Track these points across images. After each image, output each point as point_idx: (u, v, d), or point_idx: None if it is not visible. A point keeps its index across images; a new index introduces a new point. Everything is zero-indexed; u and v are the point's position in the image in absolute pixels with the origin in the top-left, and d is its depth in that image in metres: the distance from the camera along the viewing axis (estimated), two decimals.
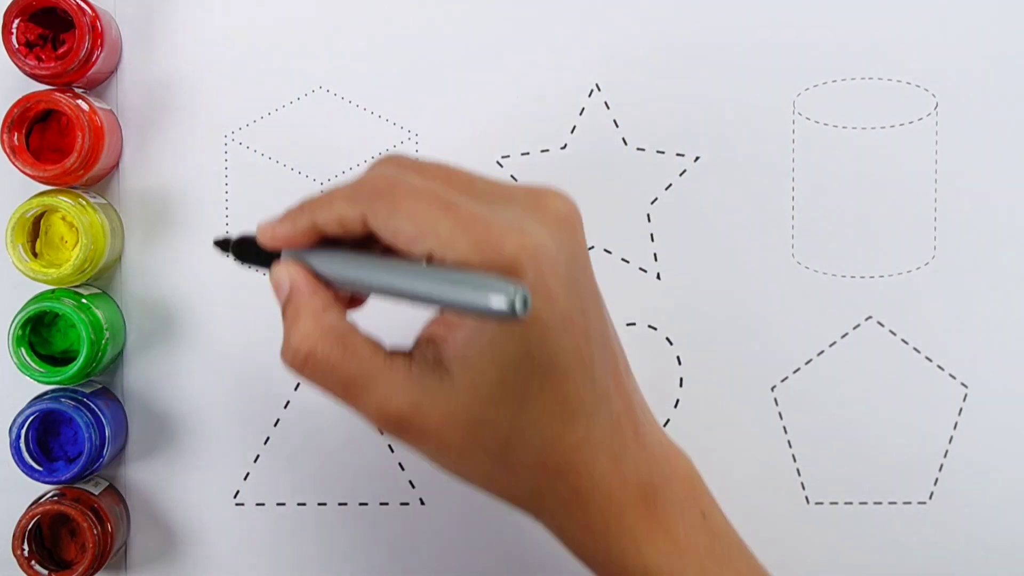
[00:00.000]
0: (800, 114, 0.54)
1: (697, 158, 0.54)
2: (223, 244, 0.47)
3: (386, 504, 0.54)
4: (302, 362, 0.41)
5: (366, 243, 0.42)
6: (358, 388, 0.41)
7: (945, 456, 0.54)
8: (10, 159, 0.50)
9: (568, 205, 0.41)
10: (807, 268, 0.54)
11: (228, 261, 0.53)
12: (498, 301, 0.36)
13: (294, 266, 0.43)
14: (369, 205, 0.40)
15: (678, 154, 0.54)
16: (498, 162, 0.54)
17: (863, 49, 0.54)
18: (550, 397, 0.40)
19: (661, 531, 0.42)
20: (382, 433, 0.48)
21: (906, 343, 0.54)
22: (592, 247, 0.54)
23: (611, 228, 0.54)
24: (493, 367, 0.39)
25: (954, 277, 0.54)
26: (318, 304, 0.42)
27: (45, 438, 0.52)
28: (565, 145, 0.54)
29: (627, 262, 0.54)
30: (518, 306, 0.36)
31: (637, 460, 0.42)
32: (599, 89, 0.54)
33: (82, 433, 0.50)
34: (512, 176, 0.54)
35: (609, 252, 0.54)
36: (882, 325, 0.54)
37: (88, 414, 0.50)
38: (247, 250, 0.46)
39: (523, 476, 0.41)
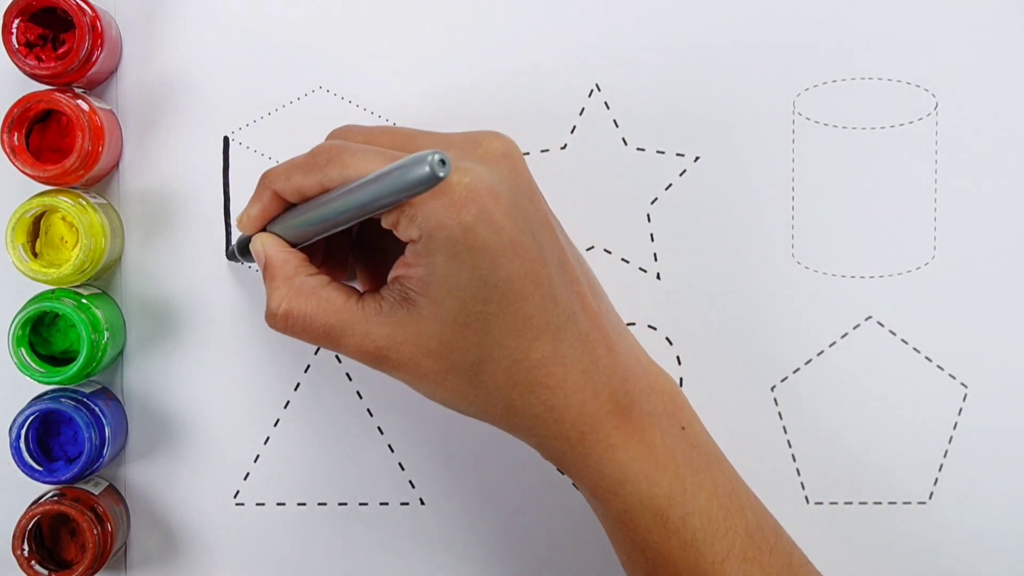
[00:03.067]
0: (800, 114, 0.54)
1: (697, 158, 0.54)
2: (232, 255, 0.52)
3: (386, 504, 0.54)
4: (282, 322, 0.45)
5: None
6: (337, 333, 0.44)
7: (945, 456, 0.54)
8: (10, 159, 0.50)
9: (505, 143, 0.45)
10: (807, 268, 0.54)
11: (224, 261, 0.54)
12: (419, 171, 0.40)
13: (265, 236, 0.47)
14: (322, 172, 0.44)
15: (678, 154, 0.54)
16: None
17: (863, 49, 0.54)
18: (511, 319, 0.43)
19: (636, 437, 0.44)
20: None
21: (906, 343, 0.54)
22: (592, 247, 0.54)
23: (611, 228, 0.54)
24: (452, 296, 0.43)
25: (954, 277, 0.54)
26: (289, 268, 0.46)
27: (45, 438, 0.52)
28: (565, 145, 0.54)
29: (627, 262, 0.54)
30: (437, 167, 0.39)
31: (611, 373, 0.44)
32: (599, 89, 0.54)
33: (82, 433, 0.50)
34: None
35: (609, 252, 0.54)
36: (882, 325, 0.54)
37: (88, 414, 0.50)
38: (247, 248, 0.49)
39: (496, 395, 0.44)
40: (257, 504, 0.54)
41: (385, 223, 0.43)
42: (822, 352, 0.54)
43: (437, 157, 0.39)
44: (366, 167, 0.43)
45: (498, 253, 0.42)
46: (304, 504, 0.54)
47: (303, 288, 0.45)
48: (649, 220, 0.54)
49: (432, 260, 0.42)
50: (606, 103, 0.54)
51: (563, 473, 0.45)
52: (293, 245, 0.47)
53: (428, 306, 0.43)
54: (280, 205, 0.47)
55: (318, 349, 0.54)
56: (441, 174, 0.39)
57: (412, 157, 0.40)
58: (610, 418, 0.44)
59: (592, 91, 0.54)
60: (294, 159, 0.46)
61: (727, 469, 0.46)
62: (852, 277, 0.54)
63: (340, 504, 0.54)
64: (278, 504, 0.54)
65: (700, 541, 0.43)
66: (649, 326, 0.54)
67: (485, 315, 0.42)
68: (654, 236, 0.54)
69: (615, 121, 0.54)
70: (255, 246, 0.47)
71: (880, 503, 0.54)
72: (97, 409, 0.51)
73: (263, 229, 0.48)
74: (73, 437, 0.52)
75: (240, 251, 0.50)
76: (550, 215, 0.45)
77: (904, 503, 0.54)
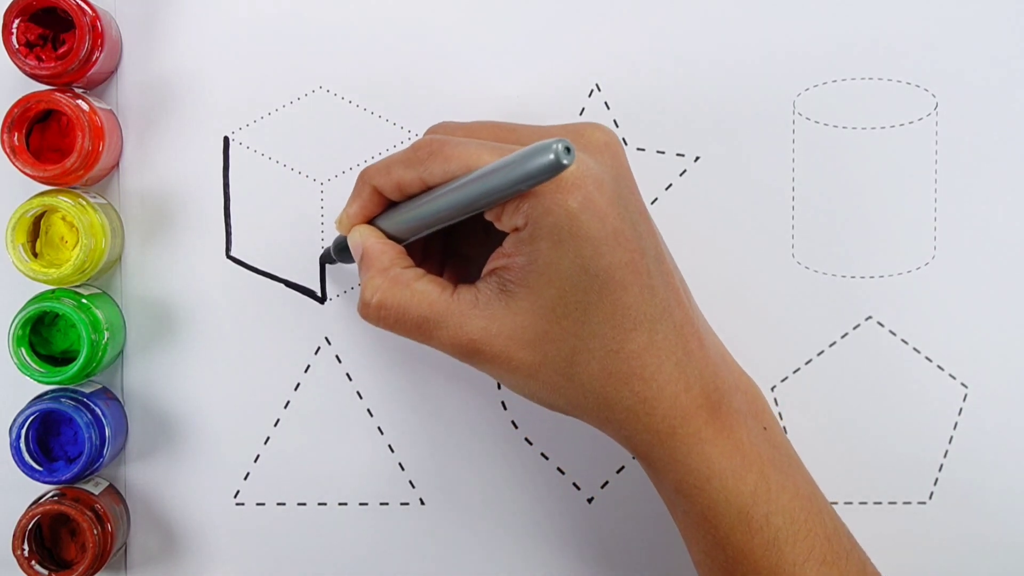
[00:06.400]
0: (800, 114, 0.54)
1: (697, 158, 0.54)
2: (327, 257, 0.52)
3: (386, 504, 0.54)
4: (375, 312, 0.45)
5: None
6: (430, 326, 0.44)
7: (945, 456, 0.54)
8: (10, 159, 0.50)
9: (607, 133, 0.45)
10: (807, 268, 0.54)
11: (224, 261, 0.54)
12: (542, 159, 0.39)
13: (363, 227, 0.47)
14: (424, 167, 0.44)
15: (678, 154, 0.54)
16: None
17: (863, 49, 0.54)
18: (610, 308, 0.43)
19: (725, 434, 0.44)
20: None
21: (906, 343, 0.54)
22: None
23: None
24: (552, 285, 0.42)
25: (954, 277, 0.54)
26: (385, 260, 0.46)
27: (45, 438, 0.52)
28: None
29: None
30: (562, 155, 0.39)
31: (702, 368, 0.44)
32: (599, 89, 0.54)
33: (82, 433, 0.50)
34: None
35: None
36: (882, 325, 0.54)
37: (88, 414, 0.50)
38: (346, 248, 0.49)
39: (590, 387, 0.44)
40: (257, 504, 0.54)
41: (488, 215, 0.44)
42: (822, 352, 0.54)
43: (562, 145, 0.39)
44: (469, 159, 0.43)
45: (600, 241, 0.42)
46: (304, 504, 0.54)
47: (398, 279, 0.45)
48: None
49: (536, 247, 0.42)
50: (606, 103, 0.54)
51: (647, 469, 0.45)
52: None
53: (526, 296, 0.43)
54: (380, 203, 0.47)
55: (318, 349, 0.54)
56: (566, 161, 0.39)
57: (535, 146, 0.40)
58: (701, 412, 0.44)
59: (592, 91, 0.54)
60: (394, 154, 0.46)
61: (805, 473, 0.46)
62: (852, 277, 0.54)
63: (340, 504, 0.54)
64: (278, 504, 0.54)
65: (782, 541, 0.43)
66: None
67: (584, 304, 0.43)
68: None
69: (615, 121, 0.54)
70: (353, 237, 0.47)
71: (880, 503, 0.54)
72: (97, 409, 0.51)
73: None
74: (73, 437, 0.52)
75: (336, 251, 0.51)
76: (646, 208, 0.46)
77: (904, 503, 0.54)
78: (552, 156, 0.39)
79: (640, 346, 0.43)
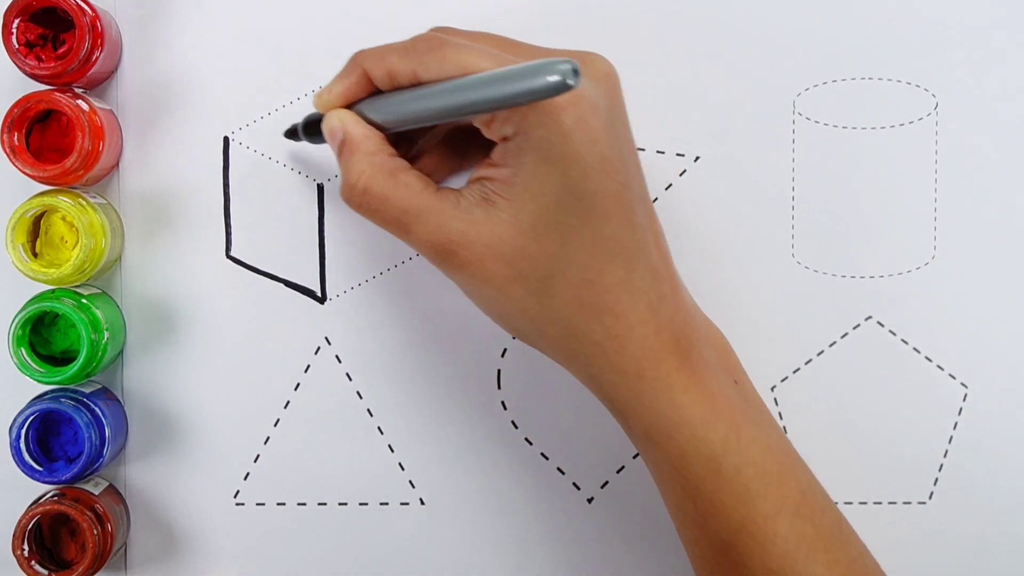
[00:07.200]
0: (800, 114, 0.54)
1: (697, 158, 0.54)
2: (292, 133, 0.51)
3: (386, 504, 0.54)
4: (359, 198, 0.44)
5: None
6: (410, 219, 0.43)
7: (945, 456, 0.54)
8: (10, 159, 0.50)
9: (608, 65, 0.44)
10: (807, 268, 0.54)
11: (224, 261, 0.53)
12: (548, 77, 0.38)
13: (345, 112, 0.46)
14: (420, 60, 0.43)
15: (678, 154, 0.54)
16: None
17: (863, 49, 0.54)
18: (590, 236, 0.42)
19: (695, 381, 0.43)
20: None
21: (906, 343, 0.54)
22: None
23: None
24: (534, 201, 0.42)
25: (954, 277, 0.54)
26: (371, 145, 0.45)
27: (45, 438, 0.52)
28: None
29: None
30: (569, 76, 0.38)
31: (674, 313, 0.44)
32: None
33: (82, 433, 0.50)
34: None
35: None
36: (882, 325, 0.54)
37: (88, 414, 0.50)
38: (316, 128, 0.48)
39: (560, 314, 0.43)
40: (257, 504, 0.54)
41: (477, 121, 0.43)
42: (822, 352, 0.54)
43: (570, 66, 0.38)
44: (468, 63, 0.42)
45: (589, 165, 0.41)
46: (304, 504, 0.54)
47: (384, 167, 0.44)
48: None
49: (521, 161, 0.42)
50: None
51: (615, 414, 0.45)
52: None
53: (507, 208, 0.42)
54: (366, 88, 0.46)
55: (318, 349, 0.54)
56: (571, 83, 0.38)
57: (541, 62, 0.39)
58: (670, 357, 0.43)
59: None
60: (392, 43, 0.45)
61: (778, 428, 0.46)
62: (852, 277, 0.54)
63: (340, 504, 0.54)
64: (278, 504, 0.54)
65: (753, 493, 0.43)
66: None
67: (565, 227, 0.42)
68: None
69: None
70: (331, 121, 0.46)
71: (880, 503, 0.54)
72: (97, 409, 0.51)
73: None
74: (73, 437, 0.52)
75: (306, 129, 0.49)
76: (636, 150, 0.45)
77: (904, 503, 0.54)
78: (558, 76, 0.38)
79: (615, 280, 0.42)
